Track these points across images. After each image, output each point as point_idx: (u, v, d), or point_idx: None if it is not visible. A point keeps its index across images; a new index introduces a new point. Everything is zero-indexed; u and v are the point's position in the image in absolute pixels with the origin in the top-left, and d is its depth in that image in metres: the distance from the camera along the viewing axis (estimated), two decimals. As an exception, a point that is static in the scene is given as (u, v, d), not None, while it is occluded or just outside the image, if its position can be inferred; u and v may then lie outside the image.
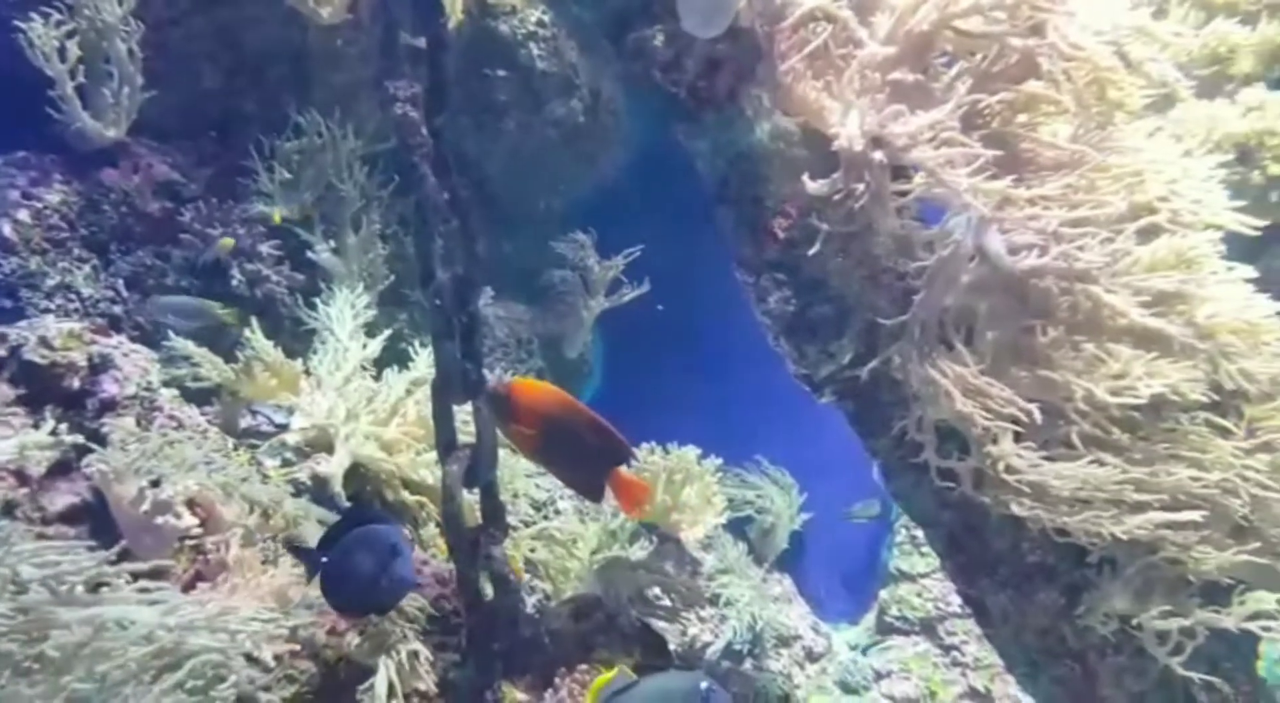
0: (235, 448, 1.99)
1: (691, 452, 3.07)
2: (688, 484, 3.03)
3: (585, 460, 1.58)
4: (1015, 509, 1.55)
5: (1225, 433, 1.54)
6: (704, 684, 1.26)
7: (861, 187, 1.40)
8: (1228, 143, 1.91)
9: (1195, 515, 1.46)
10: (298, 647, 1.56)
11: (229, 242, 2.34)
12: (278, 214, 2.46)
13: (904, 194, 1.42)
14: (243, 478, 1.75)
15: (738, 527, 3.50)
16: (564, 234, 3.24)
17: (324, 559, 1.45)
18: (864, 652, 3.42)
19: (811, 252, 1.54)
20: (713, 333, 3.42)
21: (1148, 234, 1.45)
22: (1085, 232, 1.34)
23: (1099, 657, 1.65)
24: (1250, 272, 1.51)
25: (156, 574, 1.45)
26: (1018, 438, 1.52)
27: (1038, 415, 1.39)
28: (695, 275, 3.36)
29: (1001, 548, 1.71)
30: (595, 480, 1.60)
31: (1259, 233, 1.48)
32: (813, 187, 1.45)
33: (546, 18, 2.82)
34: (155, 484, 1.57)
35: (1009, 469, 1.50)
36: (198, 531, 1.57)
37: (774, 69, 1.49)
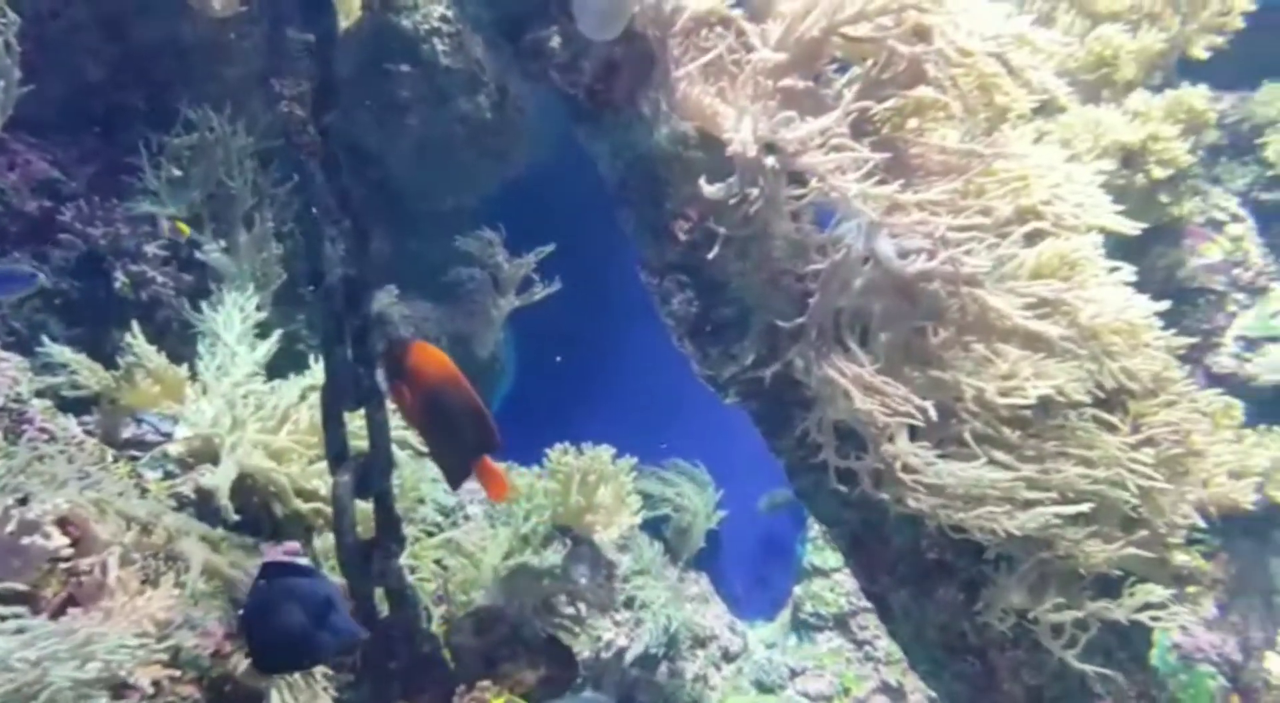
0: (115, 460, 1.89)
1: (606, 451, 3.05)
2: (602, 485, 3.01)
3: (456, 441, 1.53)
4: (912, 507, 1.57)
5: (1112, 429, 1.58)
6: None
7: (756, 191, 1.39)
8: (1114, 148, 1.96)
9: (1084, 509, 1.49)
10: (178, 672, 1.49)
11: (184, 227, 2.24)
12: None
13: (799, 199, 1.41)
14: (119, 493, 1.66)
15: (654, 527, 3.49)
16: (472, 232, 3.18)
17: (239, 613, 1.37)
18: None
19: (711, 255, 1.52)
20: (627, 331, 3.41)
21: (1033, 237, 1.48)
22: (972, 235, 1.35)
23: (998, 652, 1.67)
24: (1130, 273, 1.55)
25: (21, 599, 1.38)
26: (913, 437, 1.54)
27: (933, 413, 1.40)
28: (608, 273, 3.34)
29: (901, 546, 1.73)
30: (461, 464, 1.56)
31: (1139, 233, 1.52)
32: (709, 191, 1.43)
33: (450, 13, 2.75)
34: (23, 502, 1.48)
35: (905, 468, 1.51)
36: (69, 551, 1.48)
37: (668, 74, 1.47)
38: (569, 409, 3.33)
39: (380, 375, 1.59)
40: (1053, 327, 1.37)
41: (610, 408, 3.45)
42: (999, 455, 1.54)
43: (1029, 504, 1.52)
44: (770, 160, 1.35)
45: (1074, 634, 1.58)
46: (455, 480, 1.58)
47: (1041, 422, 1.56)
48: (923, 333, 1.50)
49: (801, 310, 1.59)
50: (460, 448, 1.54)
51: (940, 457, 1.54)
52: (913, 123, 1.42)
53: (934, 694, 2.95)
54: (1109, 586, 1.63)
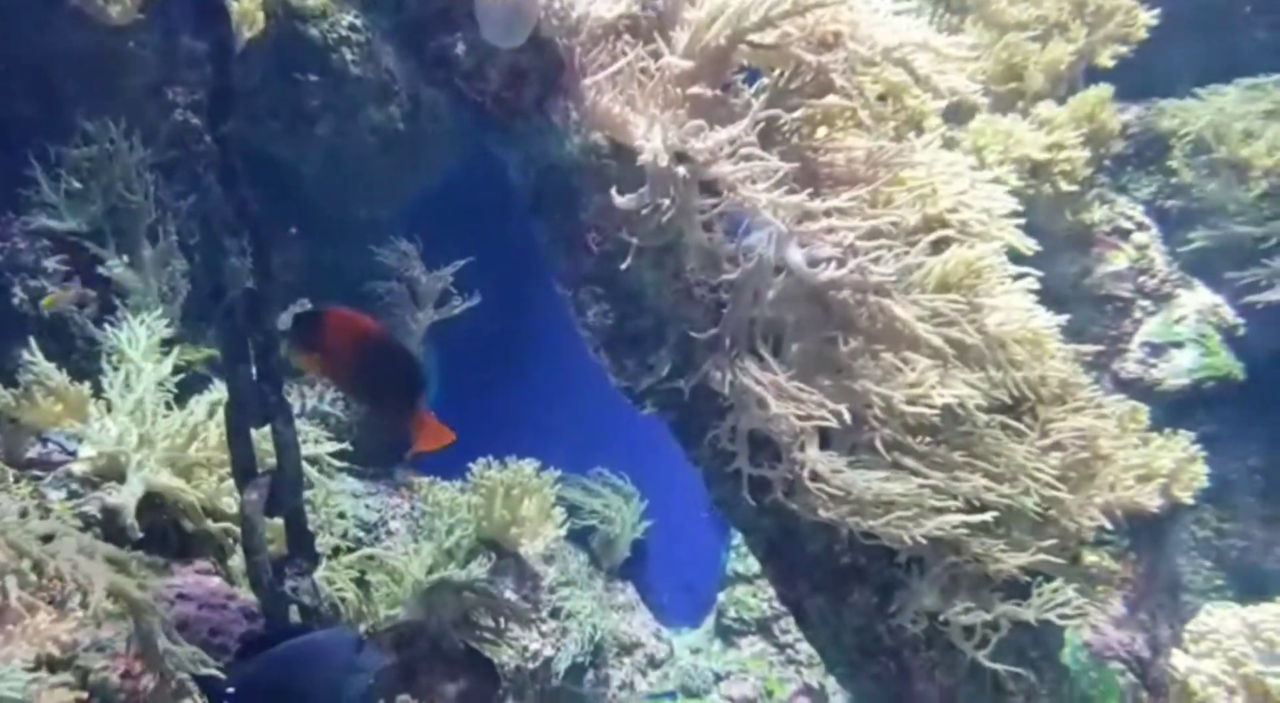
0: (16, 481, 1.82)
1: (529, 465, 3.04)
2: (526, 498, 3.00)
3: (391, 392, 1.55)
4: (822, 514, 1.59)
5: (1020, 436, 1.63)
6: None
7: (668, 201, 1.40)
8: (1023, 157, 2.03)
9: (989, 518, 1.52)
10: (85, 695, 1.44)
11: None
12: (49, 299, 2.25)
13: (711, 208, 1.42)
14: (21, 513, 1.60)
15: (580, 537, 3.48)
16: (388, 244, 3.14)
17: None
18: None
19: (625, 266, 1.53)
20: (549, 343, 3.39)
21: (940, 246, 1.52)
22: (880, 244, 1.38)
23: (912, 653, 1.70)
24: (1036, 281, 1.60)
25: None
26: (825, 445, 1.56)
27: (847, 417, 1.42)
28: (530, 284, 3.34)
29: (816, 551, 1.75)
30: (402, 413, 1.56)
31: (1040, 247, 1.58)
32: (621, 201, 1.44)
33: (359, 22, 2.72)
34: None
35: (814, 476, 1.53)
36: (-40, 577, 1.41)
37: (577, 82, 1.48)
38: (492, 423, 3.31)
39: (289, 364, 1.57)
40: (956, 336, 1.41)
41: (534, 421, 3.44)
42: (908, 463, 1.57)
43: (937, 511, 1.55)
44: (681, 170, 1.36)
45: (985, 635, 1.61)
46: (398, 433, 1.57)
47: (950, 429, 1.60)
48: (834, 342, 1.53)
49: (716, 321, 1.61)
50: (396, 397, 1.55)
51: (851, 464, 1.56)
52: (821, 132, 1.45)
53: (852, 697, 3.03)
54: (1019, 586, 1.66)
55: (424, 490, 3.08)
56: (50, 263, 2.22)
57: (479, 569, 2.76)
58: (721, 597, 3.53)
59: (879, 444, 1.56)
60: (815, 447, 1.57)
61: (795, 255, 1.40)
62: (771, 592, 3.35)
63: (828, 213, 1.35)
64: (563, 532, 3.13)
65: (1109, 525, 1.66)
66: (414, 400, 1.53)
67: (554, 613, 3.12)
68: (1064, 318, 1.64)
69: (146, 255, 2.39)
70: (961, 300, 1.42)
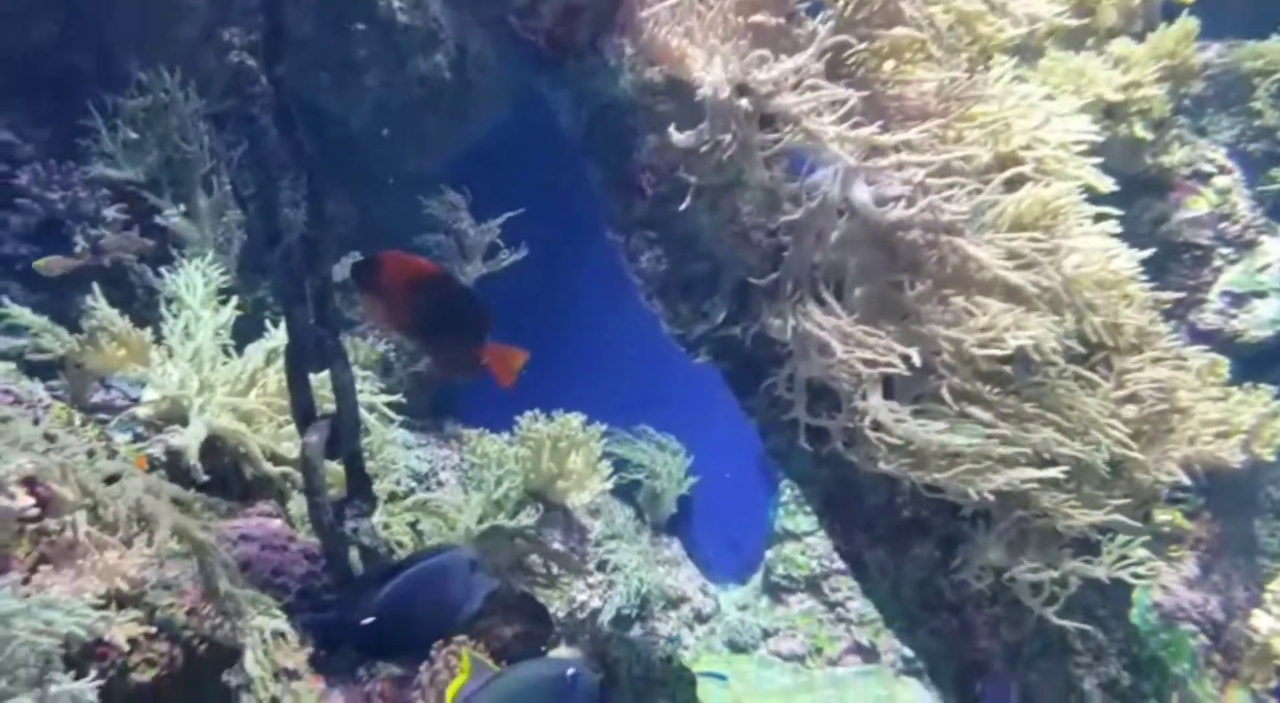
0: (83, 424, 1.85)
1: (576, 418, 3.05)
2: (573, 451, 3.01)
3: (457, 331, 1.52)
4: (882, 466, 1.56)
5: (1093, 386, 1.58)
6: (569, 671, 1.23)
7: (728, 137, 1.36)
8: (1096, 98, 1.95)
9: (1059, 475, 1.48)
10: (153, 629, 1.47)
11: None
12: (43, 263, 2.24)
13: (773, 144, 1.38)
14: (88, 454, 1.63)
15: (626, 492, 3.49)
16: (436, 196, 3.13)
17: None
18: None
19: (682, 207, 1.50)
20: (596, 296, 3.39)
21: (1014, 185, 1.46)
22: (952, 182, 1.34)
23: (975, 609, 1.67)
24: (1115, 224, 1.53)
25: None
26: (887, 395, 1.53)
27: (916, 359, 1.38)
28: (577, 237, 3.31)
29: (876, 504, 1.72)
30: (468, 352, 1.53)
31: (1120, 187, 1.52)
32: (679, 139, 1.41)
33: (406, -32, 2.70)
34: (-15, 465, 1.44)
35: (875, 426, 1.50)
36: (36, 511, 1.44)
37: (633, 15, 1.44)
38: (540, 376, 3.31)
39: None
40: (1034, 278, 1.36)
41: (582, 375, 3.44)
42: (976, 413, 1.52)
43: (1006, 463, 1.51)
44: (743, 102, 1.32)
45: (1053, 592, 1.57)
46: (469, 370, 1.55)
47: (1021, 379, 1.55)
48: (899, 287, 1.49)
49: (774, 265, 1.58)
50: (462, 337, 1.52)
51: (915, 414, 1.53)
52: (889, 65, 1.40)
53: (909, 653, 3.00)
54: (1087, 542, 1.62)
55: (472, 442, 3.10)
56: (110, 212, 2.24)
57: (526, 520, 2.78)
58: (769, 554, 3.52)
59: (945, 394, 1.52)
60: (878, 395, 1.53)
61: (862, 193, 1.36)
62: (821, 550, 3.34)
63: (896, 148, 1.30)
64: (609, 486, 3.14)
65: (1187, 481, 1.60)
66: (481, 335, 1.51)
67: (601, 566, 3.14)
68: (1148, 252, 1.57)
69: (202, 205, 2.41)
70: (1040, 237, 1.36)
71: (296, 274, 1.57)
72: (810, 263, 1.46)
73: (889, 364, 1.40)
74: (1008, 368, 1.54)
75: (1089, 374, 1.58)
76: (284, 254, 1.56)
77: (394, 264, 1.51)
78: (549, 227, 3.24)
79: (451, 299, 1.50)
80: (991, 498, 1.49)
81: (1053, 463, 1.51)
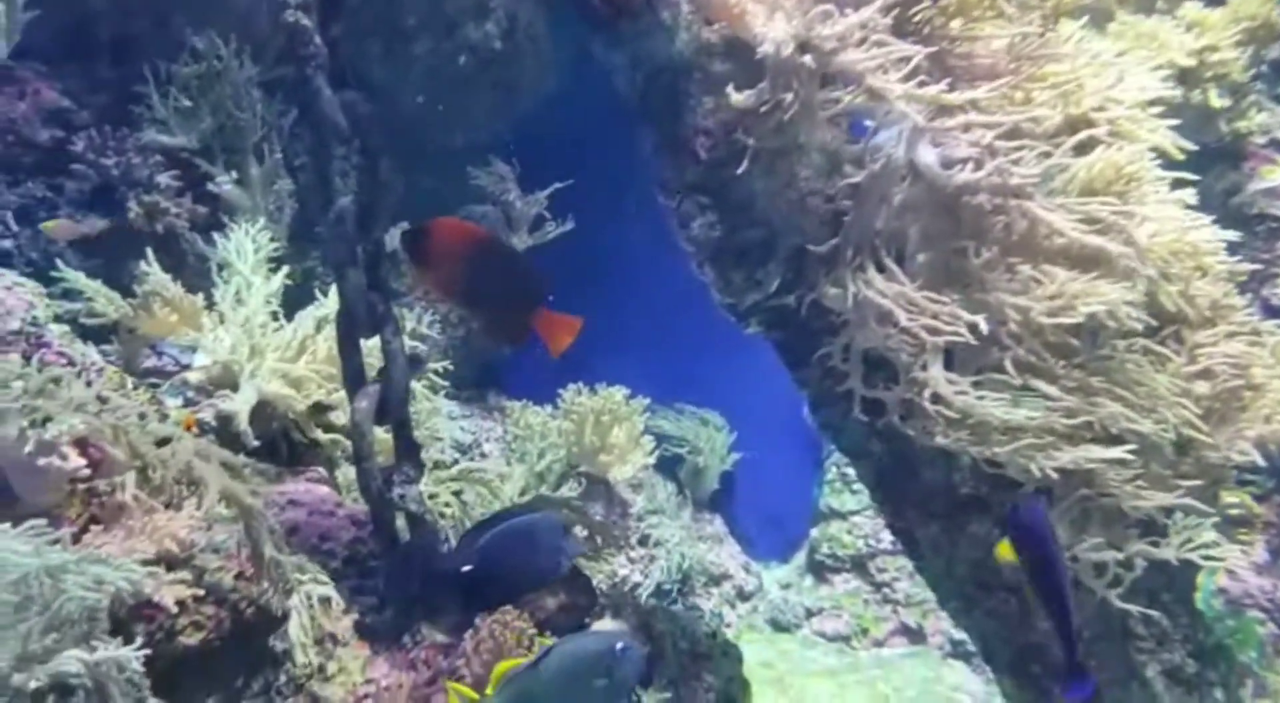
0: (135, 388, 1.87)
1: (620, 392, 3.03)
2: (616, 425, 2.99)
3: (510, 298, 1.48)
4: (940, 441, 1.52)
5: (1162, 361, 1.51)
6: (618, 644, 1.21)
7: (790, 96, 1.32)
8: (1167, 62, 1.87)
9: (1127, 456, 1.42)
10: (201, 591, 1.47)
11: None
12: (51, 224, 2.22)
13: (835, 104, 1.34)
14: (140, 417, 1.64)
15: (668, 468, 3.47)
16: (484, 168, 3.11)
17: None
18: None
19: (739, 170, 1.46)
20: (642, 270, 3.35)
21: (1084, 149, 1.41)
22: (1021, 144, 1.29)
23: (1034, 590, 1.63)
24: (1191, 192, 1.47)
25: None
26: (947, 367, 1.48)
27: (984, 326, 1.33)
28: (624, 210, 3.28)
29: (932, 479, 1.68)
30: (521, 319, 1.50)
31: (1192, 154, 1.45)
32: (738, 98, 1.37)
33: (457, -69, 2.67)
34: (40, 424, 1.45)
35: (935, 398, 1.46)
36: (87, 472, 1.45)
37: (693, -28, 1.40)
38: (584, 349, 3.29)
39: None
40: (1107, 243, 1.30)
41: (627, 349, 3.41)
42: (1040, 386, 1.47)
43: (1070, 439, 1.46)
44: (806, 59, 1.28)
45: (1117, 574, 1.52)
46: (518, 338, 1.51)
47: (1088, 352, 1.50)
48: (963, 254, 1.44)
49: (831, 232, 1.54)
50: (516, 303, 1.48)
51: (976, 387, 1.48)
52: (957, 22, 1.35)
53: (957, 635, 2.94)
54: (1153, 523, 1.56)
55: (516, 415, 3.09)
56: (163, 178, 2.25)
57: (568, 492, 2.77)
58: (814, 532, 3.48)
59: (1009, 366, 1.47)
60: (938, 366, 1.49)
61: (927, 155, 1.32)
62: (868, 530, 3.30)
63: (964, 108, 1.25)
64: (651, 460, 3.12)
65: (1261, 462, 1.54)
66: (534, 301, 1.47)
67: (642, 540, 3.13)
68: (1231, 235, 1.50)
69: (254, 173, 2.41)
70: (1114, 203, 1.30)
71: (349, 238, 1.55)
72: (872, 228, 1.41)
73: (955, 332, 1.35)
74: (1074, 341, 1.49)
75: (1159, 348, 1.52)
76: (337, 217, 1.55)
77: (445, 231, 1.48)
78: (594, 200, 3.21)
79: (504, 265, 1.47)
80: (1055, 475, 1.44)
81: (1119, 440, 1.46)
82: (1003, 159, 1.27)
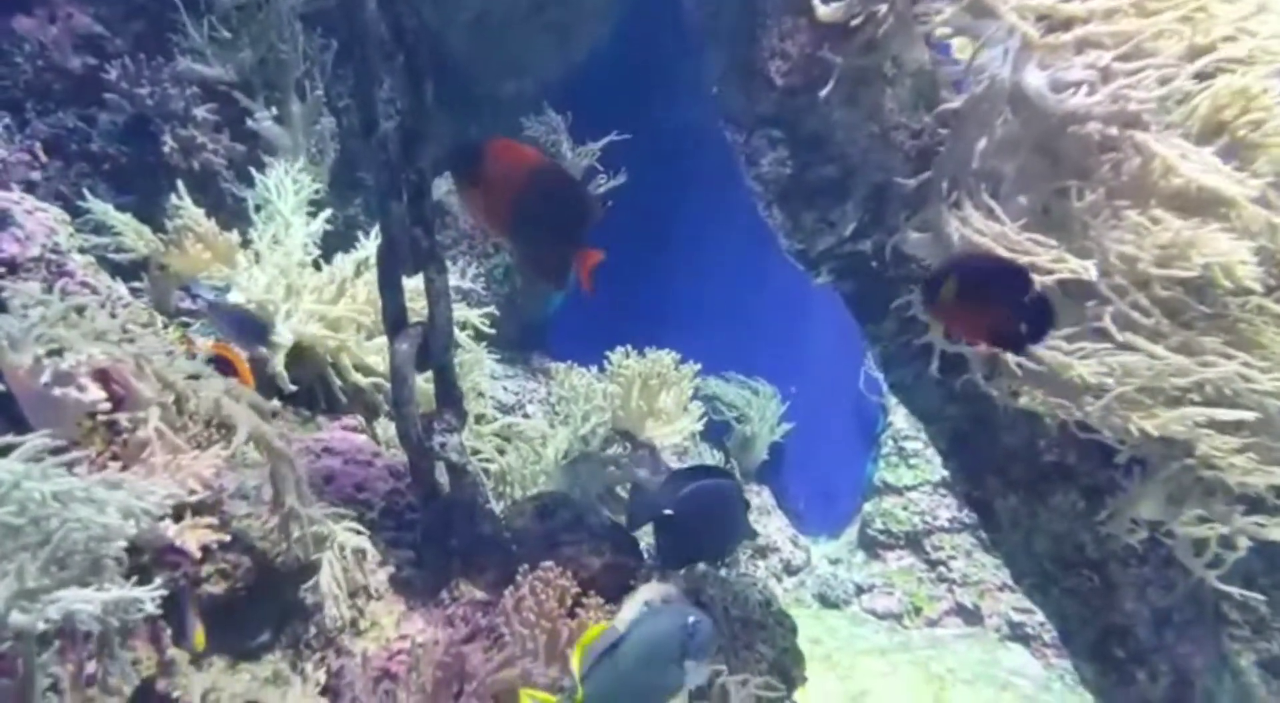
0: (165, 326, 1.78)
1: (668, 356, 2.91)
2: (663, 390, 2.88)
3: (559, 230, 1.34)
4: (1025, 402, 1.39)
5: (1280, 322, 1.36)
6: (690, 619, 1.16)
7: (884, 8, 1.18)
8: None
9: (1245, 416, 1.28)
10: (226, 536, 1.38)
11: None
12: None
13: (932, 17, 1.20)
14: (167, 353, 1.55)
15: (715, 437, 3.35)
16: (536, 117, 2.99)
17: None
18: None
19: (819, 96, 1.33)
20: (696, 229, 3.23)
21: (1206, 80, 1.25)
22: (1143, 64, 1.14)
23: (1121, 567, 1.50)
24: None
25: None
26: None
27: (1093, 272, 1.19)
28: (679, 167, 3.16)
29: (1014, 445, 1.55)
30: (565, 254, 1.35)
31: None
32: (824, 12, 1.23)
33: None
34: (57, 354, 1.36)
35: (1027, 354, 1.32)
36: (107, 406, 1.36)
37: None
38: (633, 312, 3.19)
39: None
40: (1233, 186, 1.15)
41: (676, 312, 3.30)
42: (1142, 345, 1.33)
43: (1173, 402, 1.32)
44: (903, -36, 1.15)
45: (1218, 553, 1.38)
46: (559, 275, 1.37)
47: (1197, 309, 1.35)
48: (1065, 196, 1.30)
49: (917, 169, 1.41)
50: (561, 238, 1.34)
51: (1070, 341, 1.34)
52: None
53: (1017, 618, 2.80)
54: (1255, 500, 1.42)
55: (561, 376, 2.99)
56: (200, 111, 2.15)
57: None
58: (867, 507, 3.35)
59: (1108, 321, 1.33)
60: (1030, 319, 1.35)
61: (1036, 78, 1.17)
62: (924, 506, 3.16)
63: (1082, 18, 1.10)
64: (699, 426, 3.01)
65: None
66: (580, 237, 1.33)
67: (687, 511, 3.01)
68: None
69: (295, 111, 2.30)
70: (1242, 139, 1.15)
71: (392, 166, 1.44)
72: (970, 161, 1.27)
73: (1067, 272, 1.20)
74: (1180, 294, 1.34)
75: (1277, 307, 1.37)
76: (380, 143, 1.44)
77: (501, 152, 1.34)
78: (650, 155, 3.08)
79: (560, 195, 1.33)
80: (1156, 436, 1.30)
81: (1231, 406, 1.31)
82: (1121, 82, 1.12)
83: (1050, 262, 1.19)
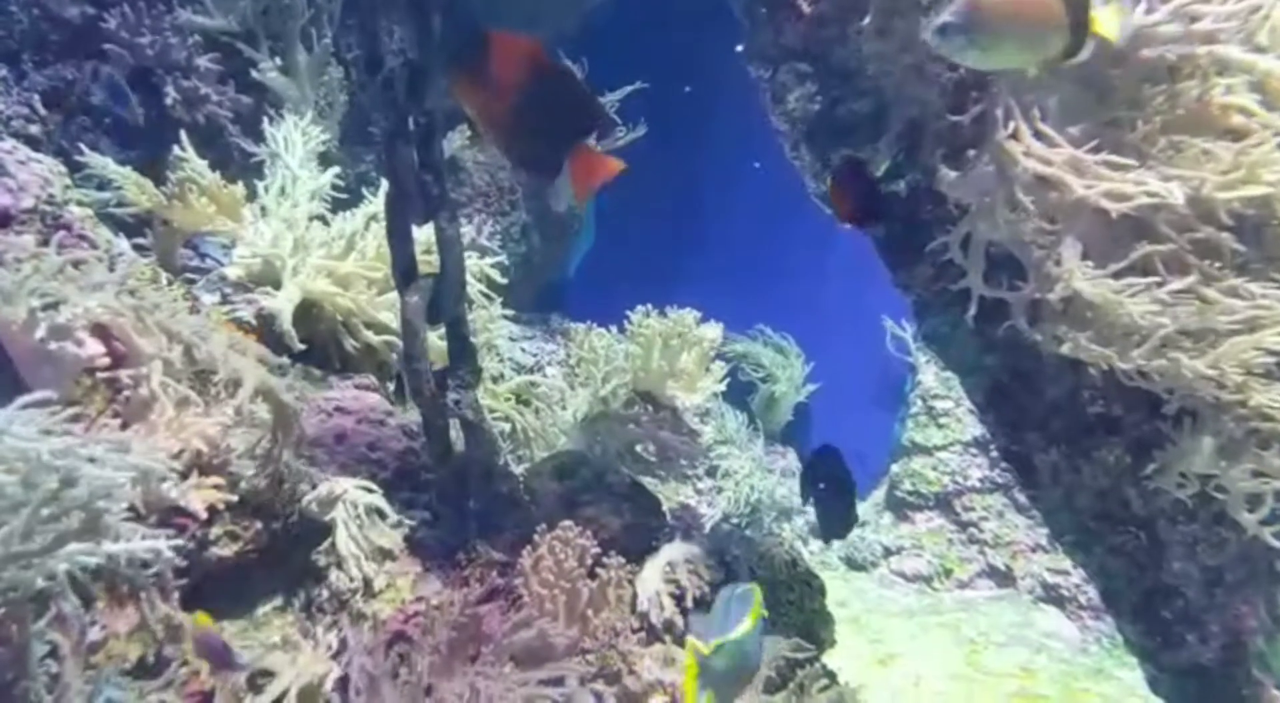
0: (169, 283, 1.72)
1: (690, 315, 2.83)
2: (685, 350, 2.80)
3: (558, 129, 1.25)
4: (1068, 350, 1.30)
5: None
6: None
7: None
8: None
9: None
10: (234, 498, 1.33)
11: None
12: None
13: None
14: (171, 313, 1.49)
15: (739, 398, 3.28)
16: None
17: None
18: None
19: (861, 24, 1.24)
20: (717, 185, 3.14)
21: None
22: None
23: (1169, 524, 1.41)
24: None
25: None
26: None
27: (1179, 194, 1.10)
28: (697, 120, 3.06)
29: (1056, 397, 1.47)
30: (555, 155, 1.27)
31: None
32: (857, -70, 1.14)
33: None
34: (53, 307, 1.31)
35: (1071, 298, 1.23)
36: (106, 361, 1.31)
37: None
38: (653, 270, 3.11)
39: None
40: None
41: (697, 270, 3.22)
42: (1196, 288, 1.24)
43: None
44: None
45: (1274, 509, 1.30)
46: (549, 172, 1.29)
47: (1254, 251, 1.26)
48: (1116, 126, 1.21)
49: (953, 103, 1.32)
50: (556, 135, 1.26)
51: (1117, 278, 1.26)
52: None
53: (1052, 580, 2.71)
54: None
55: (579, 337, 2.92)
56: (203, 61, 2.08)
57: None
58: (895, 468, 3.27)
59: (1158, 263, 1.25)
60: (1075, 258, 1.27)
61: (1090, -4, 1.08)
62: (954, 466, 3.08)
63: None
64: (722, 387, 2.94)
65: None
66: (577, 136, 1.24)
67: (710, 471, 2.96)
68: None
69: (301, 61, 2.23)
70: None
71: (400, 105, 1.37)
72: (1023, 91, 1.18)
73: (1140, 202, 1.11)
74: (1235, 243, 1.25)
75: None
76: (385, 82, 1.37)
77: (507, 49, 1.24)
78: (668, 108, 2.99)
79: (562, 95, 1.24)
80: (1207, 377, 1.21)
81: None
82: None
83: (1131, 186, 1.10)
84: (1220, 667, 1.45)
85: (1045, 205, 1.19)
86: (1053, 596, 2.76)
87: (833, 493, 1.72)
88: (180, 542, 1.22)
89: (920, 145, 1.38)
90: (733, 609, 1.09)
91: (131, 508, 1.11)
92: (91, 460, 0.95)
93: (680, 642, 1.38)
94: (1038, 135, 1.17)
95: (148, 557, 1.05)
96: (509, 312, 2.43)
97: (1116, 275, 1.29)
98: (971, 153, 1.28)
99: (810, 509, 3.14)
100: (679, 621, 1.39)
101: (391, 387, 1.91)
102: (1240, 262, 1.29)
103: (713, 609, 1.11)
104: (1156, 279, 1.22)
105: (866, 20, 1.21)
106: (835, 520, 1.73)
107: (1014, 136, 1.17)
